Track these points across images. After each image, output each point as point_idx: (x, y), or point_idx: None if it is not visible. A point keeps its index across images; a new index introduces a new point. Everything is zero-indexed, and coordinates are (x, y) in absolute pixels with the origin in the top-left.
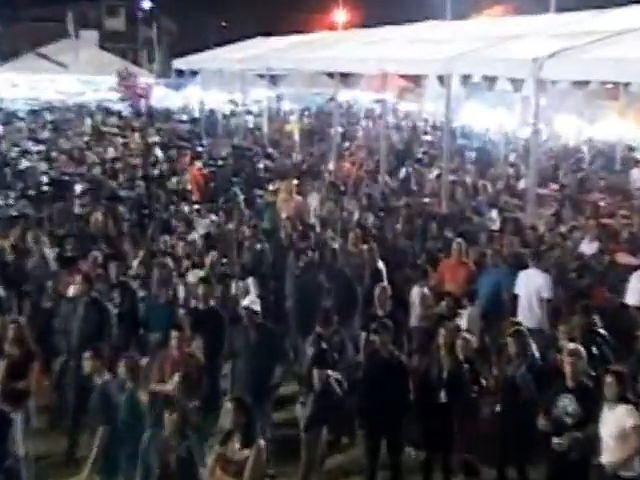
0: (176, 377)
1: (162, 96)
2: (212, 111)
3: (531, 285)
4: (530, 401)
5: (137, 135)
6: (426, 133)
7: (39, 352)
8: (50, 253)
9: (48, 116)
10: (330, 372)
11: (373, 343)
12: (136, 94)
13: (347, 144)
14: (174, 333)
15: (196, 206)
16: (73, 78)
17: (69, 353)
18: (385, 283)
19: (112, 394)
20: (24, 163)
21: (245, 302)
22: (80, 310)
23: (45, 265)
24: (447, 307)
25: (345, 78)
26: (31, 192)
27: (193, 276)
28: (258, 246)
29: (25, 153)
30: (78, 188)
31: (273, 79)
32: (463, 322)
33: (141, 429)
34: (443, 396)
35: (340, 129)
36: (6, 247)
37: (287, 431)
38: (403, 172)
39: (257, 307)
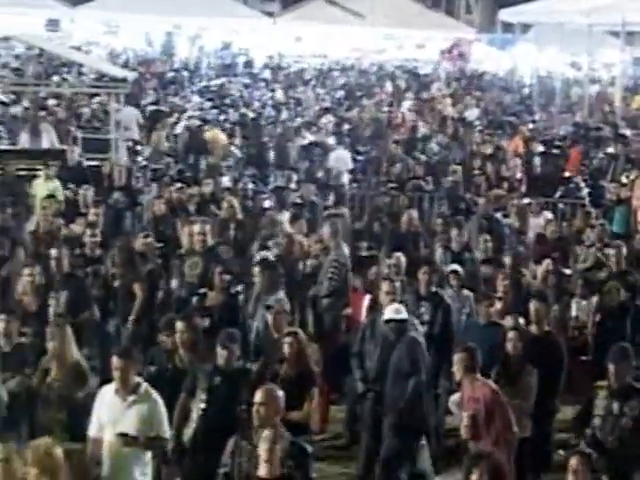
0: (465, 417)
1: (483, 56)
2: (548, 77)
3: None
4: None
5: (450, 106)
6: None
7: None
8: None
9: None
10: None
11: None
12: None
13: None
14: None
15: (525, 200)
16: (371, 31)
17: (366, 382)
18: None
19: None
20: (308, 137)
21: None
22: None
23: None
24: None
25: None
26: (319, 174)
27: None
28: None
29: (310, 125)
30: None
31: (630, 37)
32: None
33: None
34: None
35: None
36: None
37: None
38: None
39: (403, 315)
